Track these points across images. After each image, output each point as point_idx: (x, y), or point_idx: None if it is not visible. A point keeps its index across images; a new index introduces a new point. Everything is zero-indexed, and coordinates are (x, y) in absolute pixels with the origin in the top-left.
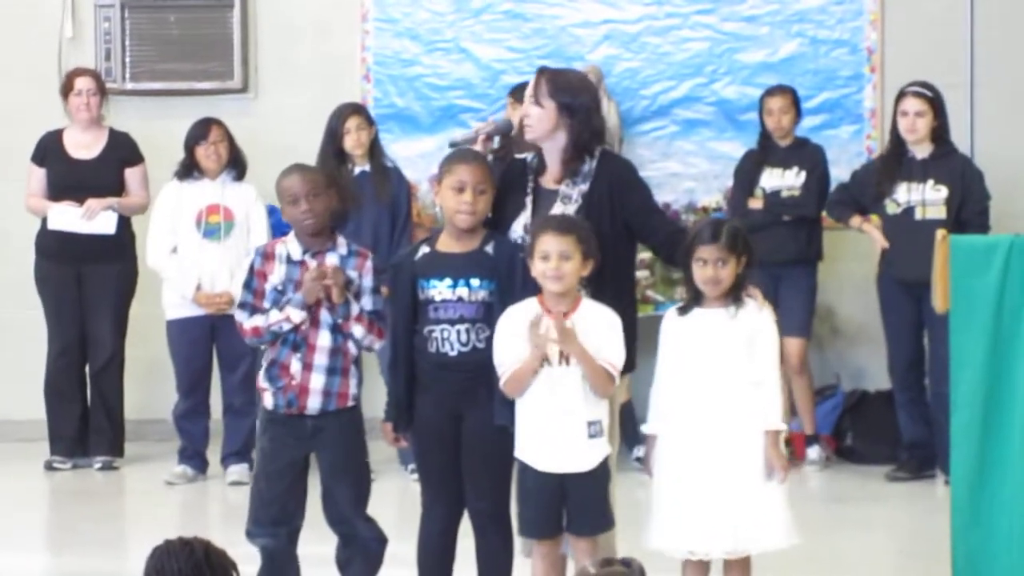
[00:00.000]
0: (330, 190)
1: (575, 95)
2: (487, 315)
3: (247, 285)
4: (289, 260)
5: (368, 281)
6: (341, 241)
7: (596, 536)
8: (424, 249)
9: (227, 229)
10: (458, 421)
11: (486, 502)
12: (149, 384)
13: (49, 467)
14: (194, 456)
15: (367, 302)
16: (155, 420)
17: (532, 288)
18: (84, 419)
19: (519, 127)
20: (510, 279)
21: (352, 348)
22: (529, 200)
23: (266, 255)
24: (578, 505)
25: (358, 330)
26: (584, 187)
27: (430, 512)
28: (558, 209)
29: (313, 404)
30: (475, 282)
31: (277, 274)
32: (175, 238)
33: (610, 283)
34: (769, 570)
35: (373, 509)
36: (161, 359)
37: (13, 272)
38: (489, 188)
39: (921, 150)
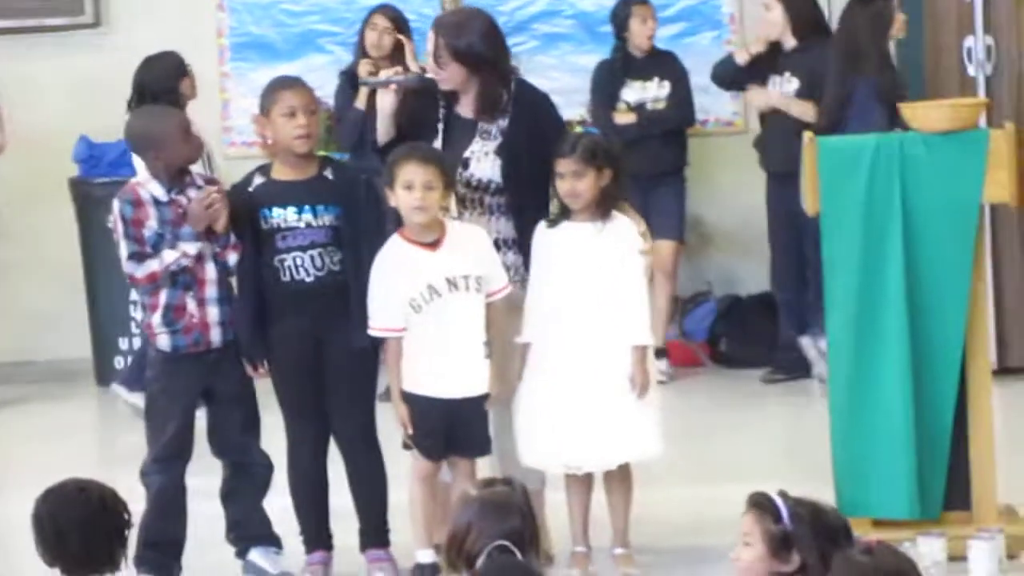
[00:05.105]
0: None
1: (475, 51)
2: (336, 238)
3: (127, 236)
4: (157, 202)
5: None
6: (195, 175)
7: (476, 458)
8: (259, 179)
9: None
10: (318, 347)
11: (354, 425)
12: (17, 325)
13: None
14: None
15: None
16: (25, 362)
17: (376, 209)
18: None
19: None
20: (355, 203)
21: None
22: (440, 127)
23: (135, 202)
24: (467, 428)
25: (233, 257)
26: (503, 122)
27: (297, 442)
28: (479, 144)
29: (216, 337)
30: (320, 208)
31: (153, 218)
32: None
33: (531, 210)
34: (650, 479)
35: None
36: (28, 299)
37: None
38: (317, 108)
39: (786, 44)
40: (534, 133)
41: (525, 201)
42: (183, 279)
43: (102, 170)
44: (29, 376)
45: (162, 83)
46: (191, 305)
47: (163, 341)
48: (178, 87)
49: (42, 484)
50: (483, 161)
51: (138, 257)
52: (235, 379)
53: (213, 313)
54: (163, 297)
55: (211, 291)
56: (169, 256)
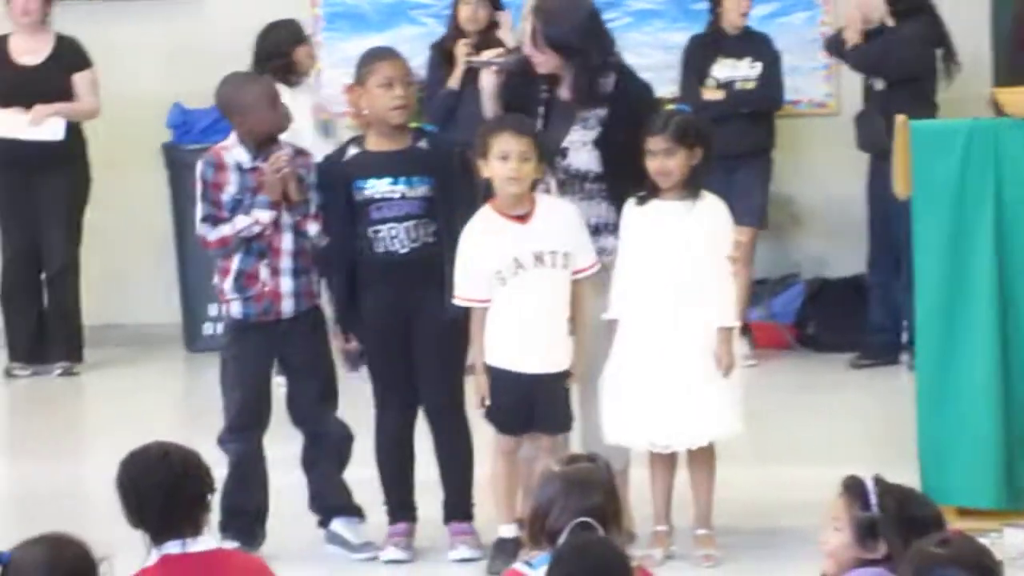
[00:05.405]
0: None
1: (569, 41)
2: (430, 210)
3: (204, 198)
4: (240, 168)
5: (313, 178)
6: (284, 144)
7: (559, 435)
8: (353, 150)
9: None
10: (409, 318)
11: (443, 397)
12: (107, 289)
13: (8, 374)
14: None
15: (314, 198)
16: (114, 325)
17: (469, 182)
18: (41, 325)
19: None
20: (449, 174)
21: (307, 247)
22: (542, 109)
23: (217, 166)
24: (547, 404)
25: (313, 227)
26: (602, 112)
27: (385, 412)
28: (577, 131)
29: (287, 307)
30: (415, 178)
31: (233, 183)
32: None
33: (631, 196)
34: (732, 460)
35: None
36: (119, 264)
37: None
38: (412, 80)
39: (887, 23)
40: (634, 124)
41: (625, 188)
42: (257, 247)
43: (195, 136)
44: (117, 339)
45: (275, 49)
46: (264, 273)
47: (234, 308)
48: (291, 54)
49: (128, 447)
50: (581, 151)
51: (212, 220)
52: (307, 349)
53: (286, 283)
54: (236, 263)
55: (286, 261)
56: (241, 222)
